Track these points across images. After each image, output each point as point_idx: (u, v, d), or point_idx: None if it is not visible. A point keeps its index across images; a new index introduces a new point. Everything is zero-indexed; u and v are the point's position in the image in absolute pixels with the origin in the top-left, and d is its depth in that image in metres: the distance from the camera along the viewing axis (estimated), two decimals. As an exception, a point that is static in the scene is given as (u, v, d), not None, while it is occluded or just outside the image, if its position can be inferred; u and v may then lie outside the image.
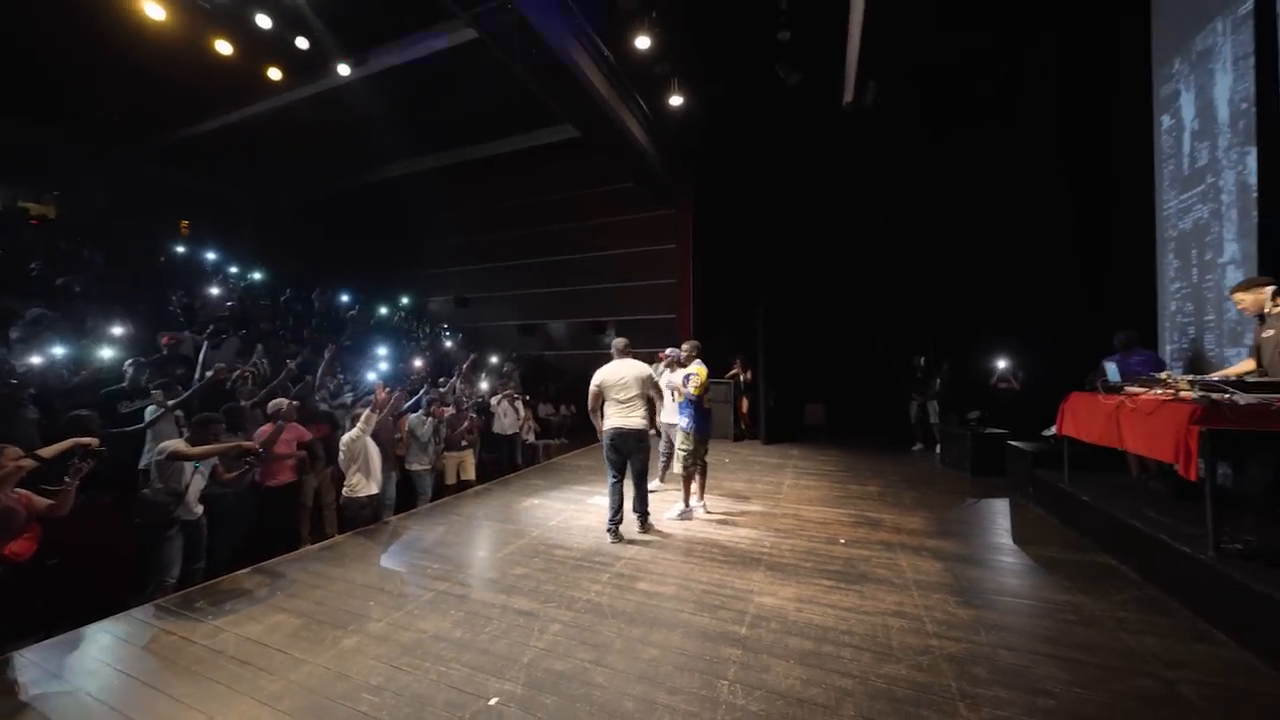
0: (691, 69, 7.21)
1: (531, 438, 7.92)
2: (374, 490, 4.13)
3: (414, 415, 5.05)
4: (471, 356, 7.70)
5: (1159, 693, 2.08)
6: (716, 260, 9.72)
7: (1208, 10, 4.30)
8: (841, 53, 5.69)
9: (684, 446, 4.22)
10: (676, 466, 4.32)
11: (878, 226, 8.39)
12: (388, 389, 4.47)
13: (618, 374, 3.76)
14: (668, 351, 4.90)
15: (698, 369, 4.21)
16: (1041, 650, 2.36)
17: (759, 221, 8.91)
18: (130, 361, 4.53)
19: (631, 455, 3.74)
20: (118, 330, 5.66)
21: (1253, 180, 3.84)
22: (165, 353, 5.17)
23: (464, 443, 5.46)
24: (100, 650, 2.46)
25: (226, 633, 2.59)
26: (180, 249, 10.71)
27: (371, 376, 6.29)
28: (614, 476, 3.79)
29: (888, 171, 8.25)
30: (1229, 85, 4.08)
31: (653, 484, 4.85)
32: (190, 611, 2.79)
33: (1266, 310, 3.05)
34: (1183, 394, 2.96)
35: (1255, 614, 2.34)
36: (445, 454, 5.30)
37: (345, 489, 4.06)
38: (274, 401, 4.21)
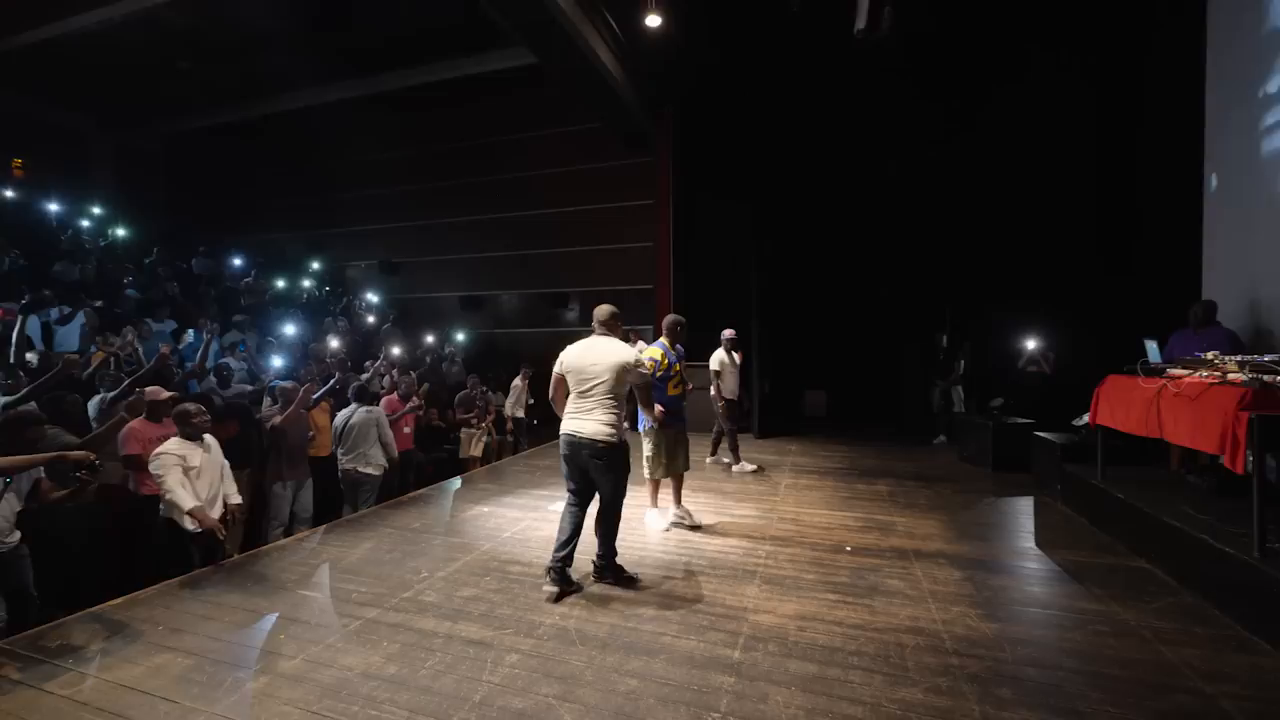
0: (673, -18, 7.10)
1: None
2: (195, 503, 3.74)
3: (370, 408, 5.10)
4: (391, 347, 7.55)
5: (1199, 709, 2.23)
6: (702, 220, 9.72)
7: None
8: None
9: (646, 451, 4.25)
10: (646, 471, 4.30)
11: (889, 185, 8.53)
12: (294, 382, 4.54)
13: (586, 357, 3.19)
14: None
15: (652, 352, 4.21)
16: (1071, 666, 2.49)
17: (752, 175, 8.93)
18: None
19: (591, 474, 3.14)
20: None
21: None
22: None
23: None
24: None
25: (93, 679, 2.47)
26: (10, 194, 10.00)
27: (278, 362, 6.15)
28: (571, 498, 3.24)
29: (902, 119, 8.38)
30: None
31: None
32: (41, 654, 2.65)
33: None
34: (1231, 376, 3.13)
35: (1300, 619, 2.53)
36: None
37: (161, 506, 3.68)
38: (147, 392, 4.01)
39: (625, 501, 3.33)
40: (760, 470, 6.08)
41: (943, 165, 8.26)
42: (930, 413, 7.83)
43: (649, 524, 4.33)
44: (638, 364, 3.22)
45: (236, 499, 3.74)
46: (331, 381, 5.45)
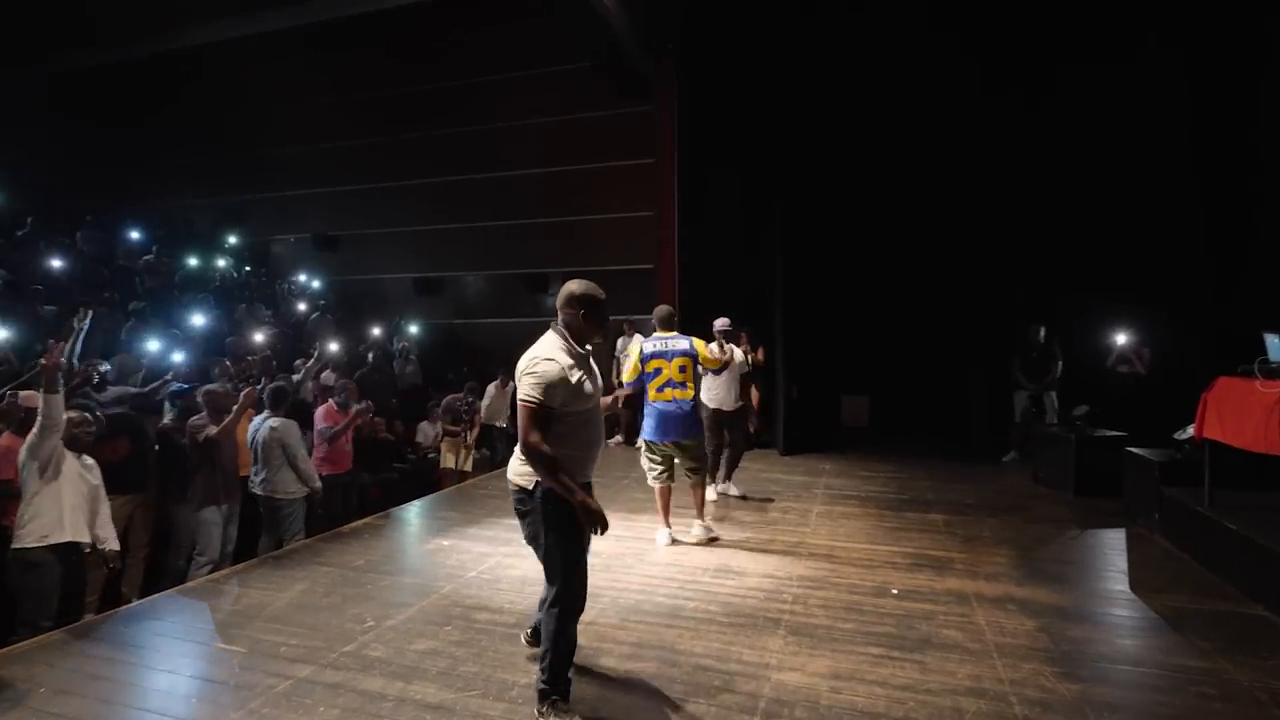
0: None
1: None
2: (66, 538, 3.72)
3: (280, 420, 5.09)
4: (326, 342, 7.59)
5: (1324, 788, 2.26)
6: (715, 185, 9.70)
7: None
8: None
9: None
10: (650, 480, 4.82)
11: (946, 151, 8.53)
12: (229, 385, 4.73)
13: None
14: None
15: (632, 349, 4.81)
16: (1170, 736, 2.53)
17: (776, 132, 8.90)
18: None
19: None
20: None
21: None
22: None
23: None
24: None
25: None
26: None
27: (178, 357, 6.16)
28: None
29: (965, 75, 8.34)
30: None
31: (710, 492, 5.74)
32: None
33: None
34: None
35: None
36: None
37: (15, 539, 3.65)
38: (22, 397, 4.02)
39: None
40: (745, 499, 6.01)
41: (1015, 132, 8.25)
42: (1006, 423, 7.85)
43: (658, 543, 4.74)
44: (527, 373, 2.53)
45: (113, 545, 3.76)
46: (260, 389, 5.47)
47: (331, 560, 4.45)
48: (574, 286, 2.71)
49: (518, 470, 2.65)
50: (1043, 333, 7.51)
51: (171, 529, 4.87)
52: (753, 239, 8.90)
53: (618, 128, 10.67)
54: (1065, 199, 8.09)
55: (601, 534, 2.52)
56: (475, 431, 8.16)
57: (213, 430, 4.64)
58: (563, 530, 2.55)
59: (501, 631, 3.36)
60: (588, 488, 2.67)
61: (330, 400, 5.97)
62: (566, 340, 2.64)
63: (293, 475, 5.04)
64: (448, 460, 7.75)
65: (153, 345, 6.50)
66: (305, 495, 5.13)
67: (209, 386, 5.06)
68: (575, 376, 2.54)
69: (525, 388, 2.49)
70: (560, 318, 2.68)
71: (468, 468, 7.85)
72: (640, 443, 4.85)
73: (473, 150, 11.73)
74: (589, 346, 2.73)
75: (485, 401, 8.68)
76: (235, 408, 4.74)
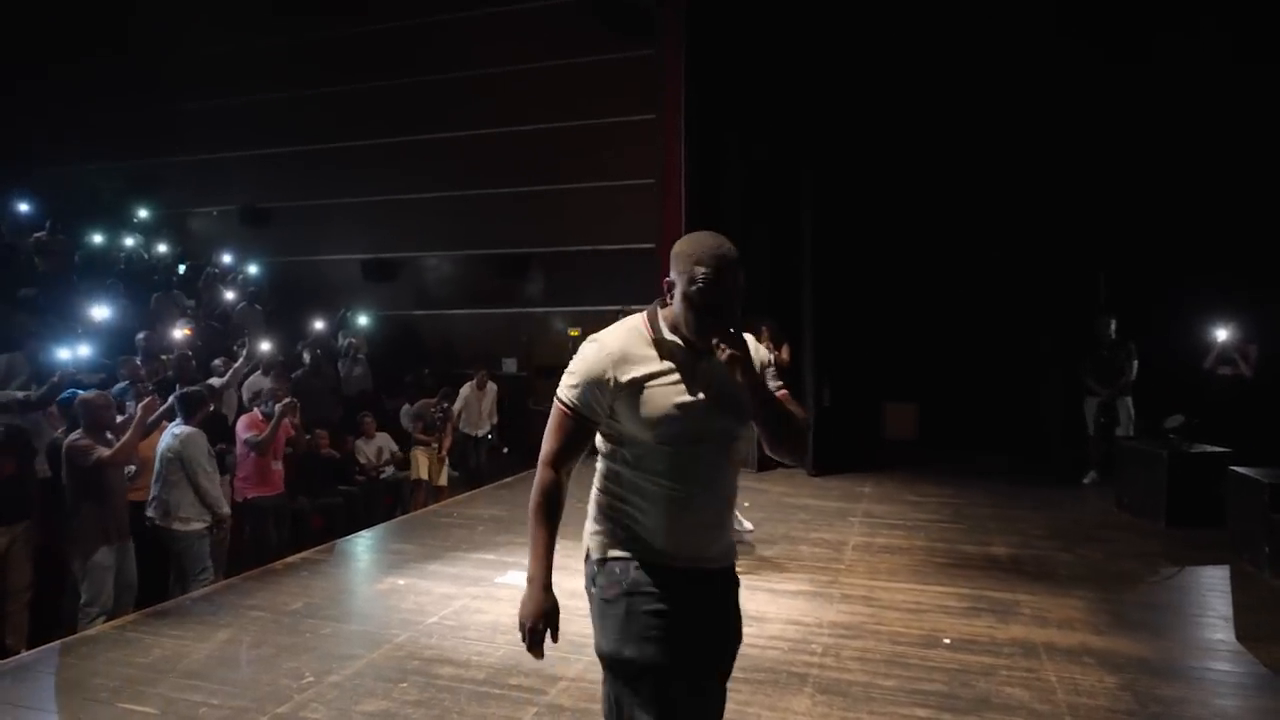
0: None
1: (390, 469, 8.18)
2: None
3: (185, 429, 5.03)
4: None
5: None
6: (729, 149, 9.68)
7: None
8: None
9: None
10: None
11: (1008, 112, 8.49)
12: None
13: None
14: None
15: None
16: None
17: (805, 83, 8.87)
18: None
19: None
20: None
21: None
22: None
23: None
24: None
25: None
26: None
27: (63, 355, 6.14)
28: None
29: (1035, 26, 8.29)
30: None
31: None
32: None
33: None
34: None
35: None
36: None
37: None
38: None
39: None
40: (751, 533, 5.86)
41: (1096, 88, 8.22)
42: (1081, 436, 7.84)
43: None
44: None
45: None
46: (171, 398, 5.40)
47: (262, 603, 4.42)
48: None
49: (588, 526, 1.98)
50: (1114, 326, 7.53)
51: (66, 565, 4.83)
52: (776, 214, 8.88)
53: (612, 77, 10.67)
54: (1157, 164, 8.07)
55: (534, 654, 1.84)
56: (449, 441, 8.53)
57: (105, 453, 4.50)
58: (616, 641, 1.78)
59: (468, 690, 3.35)
60: (686, 579, 1.82)
61: (255, 409, 5.98)
62: (650, 322, 1.91)
63: (191, 497, 4.95)
64: (419, 470, 8.14)
65: (53, 345, 6.46)
66: (208, 525, 5.04)
67: (84, 395, 4.86)
68: (635, 375, 1.81)
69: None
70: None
71: (442, 482, 8.26)
72: None
73: (435, 104, 11.71)
74: (702, 339, 1.79)
75: (459, 405, 8.87)
76: (135, 423, 4.61)
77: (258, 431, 5.75)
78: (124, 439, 4.58)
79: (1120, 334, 7.53)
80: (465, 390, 9.11)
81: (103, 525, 4.56)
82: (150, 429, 5.03)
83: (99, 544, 4.54)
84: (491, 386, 9.70)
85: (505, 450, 9.42)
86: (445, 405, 8.52)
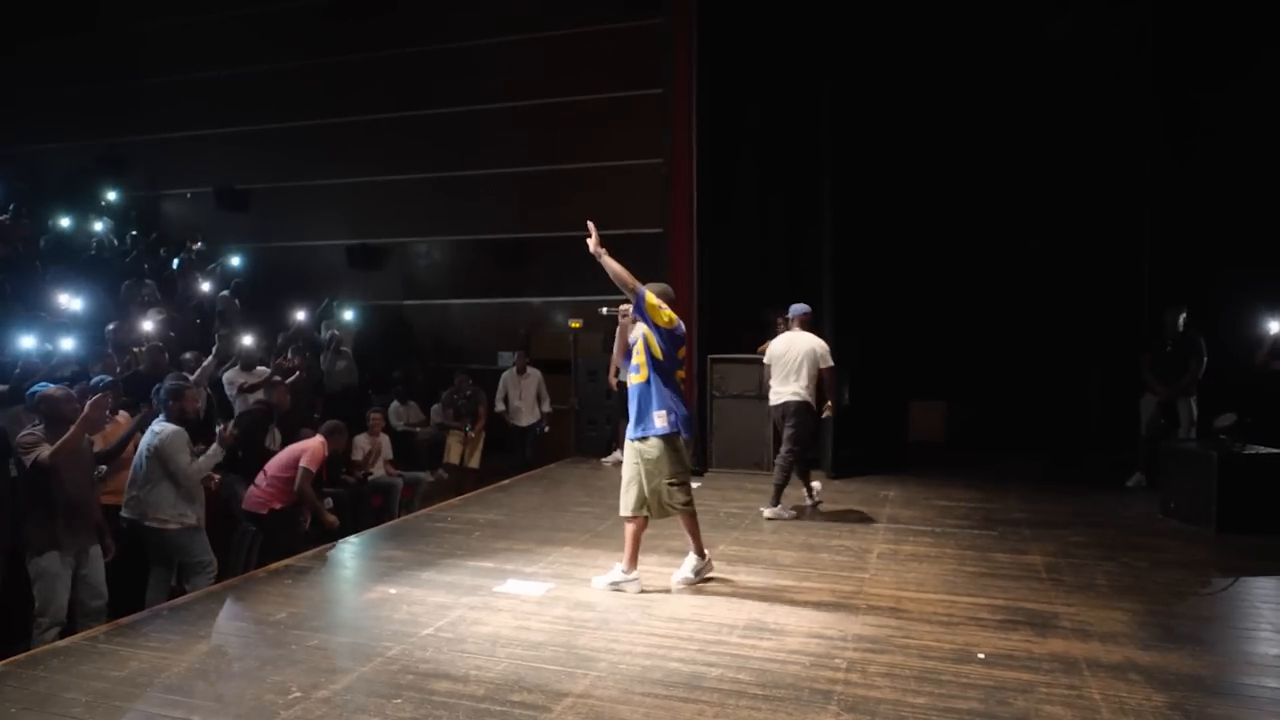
0: None
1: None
2: None
3: (166, 426, 5.07)
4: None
5: None
6: (744, 127, 9.65)
7: None
8: None
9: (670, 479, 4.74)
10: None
11: (1055, 72, 8.45)
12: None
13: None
14: None
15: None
16: None
17: (827, 54, 8.82)
18: None
19: None
20: None
21: None
22: None
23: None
24: None
25: None
26: None
27: (26, 343, 6.15)
28: None
29: None
30: None
31: (768, 511, 6.48)
32: None
33: None
34: None
35: None
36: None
37: None
38: None
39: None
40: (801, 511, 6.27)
41: (1136, 83, 8.23)
42: (1131, 437, 7.83)
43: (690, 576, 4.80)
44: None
45: None
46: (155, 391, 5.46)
47: (244, 612, 4.41)
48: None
49: None
50: (1182, 320, 7.47)
51: (18, 579, 4.79)
52: (794, 197, 8.84)
53: (616, 47, 10.66)
54: (1209, 147, 8.05)
55: None
56: (481, 424, 9.41)
57: (45, 451, 4.44)
58: None
59: (467, 707, 3.31)
60: None
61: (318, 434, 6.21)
62: None
63: (171, 496, 5.03)
64: (453, 453, 9.08)
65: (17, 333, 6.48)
66: (183, 527, 5.09)
67: (46, 390, 4.82)
68: None
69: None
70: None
71: (474, 464, 9.20)
72: (656, 446, 4.73)
73: (425, 77, 11.73)
74: None
75: (499, 394, 9.43)
76: (79, 420, 4.52)
77: (307, 460, 5.93)
78: (63, 439, 4.46)
79: (1187, 328, 7.48)
80: (505, 377, 9.42)
81: (50, 529, 4.50)
82: (98, 427, 4.98)
83: (46, 548, 4.49)
84: (533, 371, 9.72)
85: (545, 430, 9.88)
86: (470, 392, 9.21)
